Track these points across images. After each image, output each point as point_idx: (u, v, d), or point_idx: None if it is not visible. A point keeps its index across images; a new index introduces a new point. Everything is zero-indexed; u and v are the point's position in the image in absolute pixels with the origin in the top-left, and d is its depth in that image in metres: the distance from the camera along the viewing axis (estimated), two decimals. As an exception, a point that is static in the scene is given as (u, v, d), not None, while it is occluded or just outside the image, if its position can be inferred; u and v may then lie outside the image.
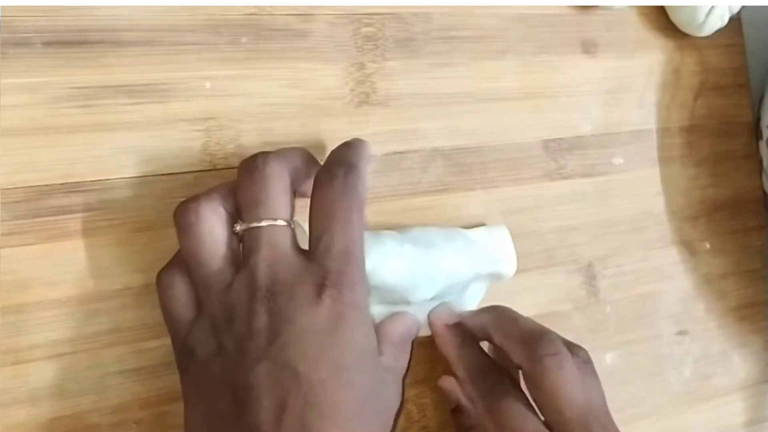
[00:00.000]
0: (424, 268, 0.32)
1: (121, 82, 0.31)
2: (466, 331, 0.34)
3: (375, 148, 0.36)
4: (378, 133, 0.36)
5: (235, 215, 0.28)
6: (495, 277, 0.36)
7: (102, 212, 0.30)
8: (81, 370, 0.30)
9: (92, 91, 0.30)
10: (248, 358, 0.26)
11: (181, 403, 0.29)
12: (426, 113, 0.37)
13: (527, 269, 0.40)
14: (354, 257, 0.27)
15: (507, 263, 0.36)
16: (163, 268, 0.29)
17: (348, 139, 0.30)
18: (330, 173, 0.28)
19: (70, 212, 0.30)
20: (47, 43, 0.30)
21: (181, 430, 0.31)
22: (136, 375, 0.31)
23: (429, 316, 0.34)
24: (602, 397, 0.32)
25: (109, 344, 0.30)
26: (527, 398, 0.32)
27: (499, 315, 0.33)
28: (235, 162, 0.33)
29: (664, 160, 0.44)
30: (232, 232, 0.28)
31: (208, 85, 0.32)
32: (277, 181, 0.28)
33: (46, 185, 0.30)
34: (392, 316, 0.31)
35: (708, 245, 0.46)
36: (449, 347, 0.33)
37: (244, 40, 0.33)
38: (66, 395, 0.30)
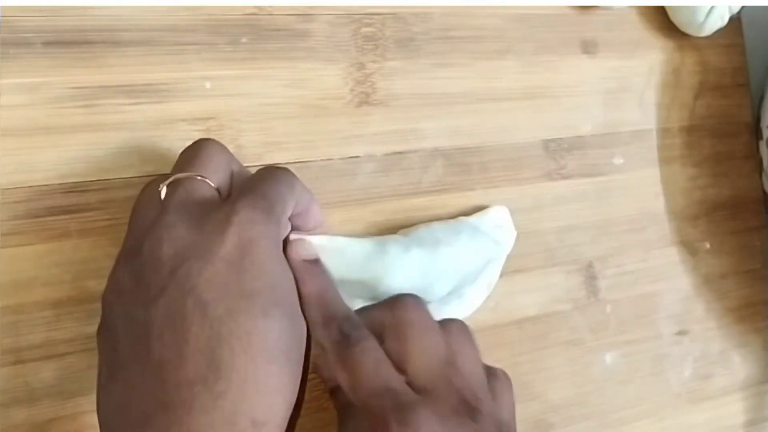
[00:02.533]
0: (435, 268, 0.32)
1: (121, 82, 0.31)
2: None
3: (374, 149, 0.36)
4: (378, 133, 0.36)
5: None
6: (502, 257, 0.37)
7: (102, 212, 0.30)
8: (81, 370, 0.30)
9: (92, 91, 0.30)
10: (149, 291, 0.23)
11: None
12: (426, 113, 0.37)
13: (527, 269, 0.40)
14: (272, 200, 0.26)
15: (509, 241, 0.37)
16: None
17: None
18: (266, 169, 0.28)
19: (70, 212, 0.30)
20: (47, 43, 0.30)
21: (181, 430, 0.31)
22: (136, 375, 0.31)
23: (286, 248, 0.28)
24: (475, 359, 0.29)
25: (109, 344, 0.30)
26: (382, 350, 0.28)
27: None
28: (235, 162, 0.33)
29: (664, 160, 0.44)
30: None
31: (208, 85, 0.32)
32: (212, 152, 0.27)
33: (46, 185, 0.30)
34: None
35: (708, 245, 0.46)
36: (308, 284, 0.28)
37: (244, 40, 0.33)
38: (66, 395, 0.30)
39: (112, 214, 0.31)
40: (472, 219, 0.36)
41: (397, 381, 0.26)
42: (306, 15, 0.34)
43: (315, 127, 0.35)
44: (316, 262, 0.29)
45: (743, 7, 0.44)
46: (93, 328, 0.30)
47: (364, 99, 0.36)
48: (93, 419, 0.30)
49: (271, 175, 0.27)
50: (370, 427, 0.26)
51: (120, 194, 0.31)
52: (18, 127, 0.29)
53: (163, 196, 0.26)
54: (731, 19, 0.43)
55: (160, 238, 0.24)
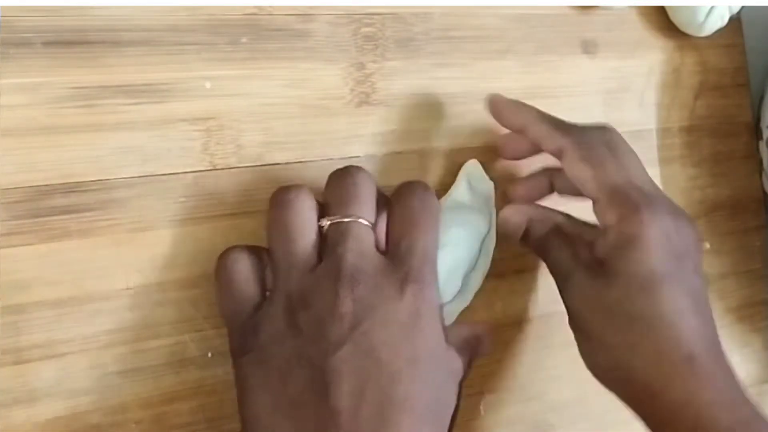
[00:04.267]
0: (442, 272, 0.32)
1: (121, 82, 0.31)
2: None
3: (374, 149, 0.36)
4: (378, 133, 0.36)
5: (320, 214, 0.29)
6: (492, 222, 0.36)
7: (102, 212, 0.30)
8: (81, 370, 0.30)
9: (92, 91, 0.30)
10: (330, 341, 0.26)
11: (180, 403, 0.29)
12: (426, 113, 0.37)
13: (527, 269, 0.40)
14: (432, 259, 0.29)
15: (490, 194, 0.37)
16: (228, 248, 0.30)
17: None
18: (411, 187, 0.30)
19: (70, 212, 0.30)
20: (47, 43, 0.30)
21: (181, 430, 0.31)
22: (136, 375, 0.31)
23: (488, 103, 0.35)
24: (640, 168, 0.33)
25: (109, 344, 0.30)
26: None
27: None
28: (235, 162, 0.33)
29: (664, 160, 0.44)
30: (319, 227, 0.29)
31: (208, 85, 0.32)
32: (365, 187, 0.29)
33: (46, 185, 0.30)
34: (460, 323, 0.33)
35: (708, 245, 0.46)
36: (523, 113, 0.34)
37: (244, 40, 0.33)
38: (66, 395, 0.30)
39: (112, 214, 0.31)
40: (452, 195, 0.36)
41: (633, 179, 0.31)
42: (306, 15, 0.34)
43: (315, 127, 0.35)
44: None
45: (743, 7, 0.44)
46: (93, 328, 0.30)
47: (364, 99, 0.36)
48: (93, 419, 0.30)
49: (423, 217, 0.30)
50: (618, 213, 0.30)
51: (120, 194, 0.31)
52: (18, 127, 0.29)
53: (324, 230, 0.29)
54: (731, 19, 0.43)
55: (343, 293, 0.27)
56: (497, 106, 0.35)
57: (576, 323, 0.32)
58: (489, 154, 0.39)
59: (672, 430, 0.29)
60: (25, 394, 0.29)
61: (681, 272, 0.30)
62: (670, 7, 0.43)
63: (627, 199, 0.30)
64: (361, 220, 0.29)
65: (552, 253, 0.33)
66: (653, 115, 0.44)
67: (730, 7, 0.42)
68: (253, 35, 0.33)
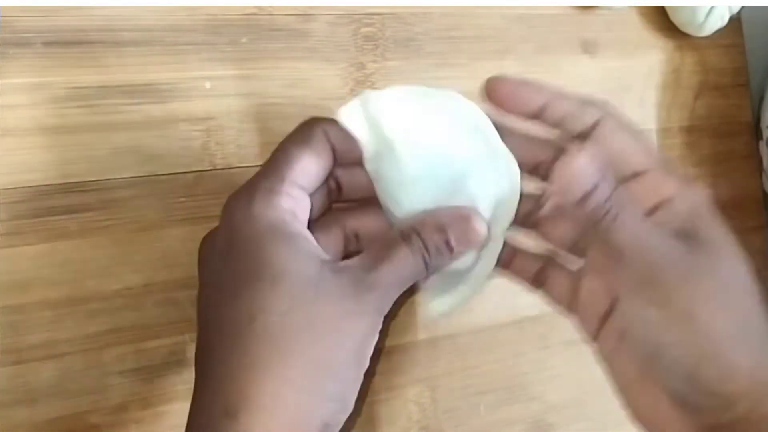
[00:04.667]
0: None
1: (121, 82, 0.31)
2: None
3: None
4: (378, 133, 0.36)
5: None
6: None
7: (102, 212, 0.30)
8: (81, 370, 0.30)
9: (92, 91, 0.30)
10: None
11: (180, 403, 0.29)
12: (426, 113, 0.37)
13: (527, 269, 0.40)
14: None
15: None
16: None
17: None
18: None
19: (70, 212, 0.30)
20: (47, 43, 0.30)
21: (181, 430, 0.31)
22: (136, 375, 0.31)
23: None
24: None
25: (109, 344, 0.30)
26: None
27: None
28: (236, 162, 0.33)
29: (664, 160, 0.44)
30: None
31: (208, 85, 0.32)
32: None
33: (46, 185, 0.30)
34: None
35: (708, 245, 0.46)
36: (543, 90, 0.29)
37: (244, 40, 0.33)
38: (66, 395, 0.30)
39: (112, 214, 0.31)
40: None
41: None
42: (306, 15, 0.34)
43: (315, 127, 0.34)
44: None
45: (743, 7, 0.44)
46: (93, 328, 0.30)
47: (364, 99, 0.36)
48: (93, 419, 0.30)
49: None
50: (677, 182, 0.28)
51: (120, 194, 0.31)
52: (18, 127, 0.29)
53: None
54: (731, 19, 0.43)
55: None
56: (505, 87, 0.29)
57: (681, 312, 0.25)
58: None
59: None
60: (25, 394, 0.29)
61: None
62: (670, 7, 0.43)
63: (677, 171, 0.28)
64: None
65: (627, 225, 0.26)
66: (653, 115, 0.44)
67: (730, 7, 0.42)
68: (253, 35, 0.33)
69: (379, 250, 0.26)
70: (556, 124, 0.28)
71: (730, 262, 0.27)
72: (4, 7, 0.29)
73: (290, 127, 0.34)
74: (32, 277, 0.29)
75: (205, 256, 0.27)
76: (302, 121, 0.28)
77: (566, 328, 0.37)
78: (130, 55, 0.31)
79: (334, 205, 0.29)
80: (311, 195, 0.27)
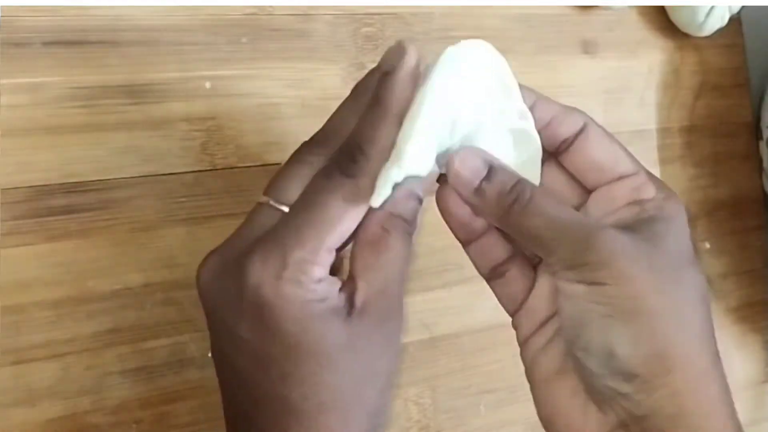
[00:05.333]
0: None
1: (121, 82, 0.31)
2: None
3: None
4: (378, 133, 0.36)
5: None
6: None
7: (102, 212, 0.30)
8: (81, 370, 0.30)
9: (92, 91, 0.30)
10: None
11: (180, 403, 0.29)
12: (426, 113, 0.37)
13: (527, 269, 0.40)
14: None
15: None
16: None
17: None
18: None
19: (70, 212, 0.30)
20: (47, 43, 0.30)
21: (181, 430, 0.31)
22: (136, 375, 0.31)
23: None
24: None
25: (109, 344, 0.30)
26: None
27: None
28: (236, 162, 0.33)
29: (664, 161, 0.44)
30: None
31: (208, 85, 0.32)
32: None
33: (46, 185, 0.30)
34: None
35: (708, 245, 0.46)
36: (529, 92, 0.28)
37: (244, 40, 0.33)
38: (66, 395, 0.30)
39: (112, 214, 0.31)
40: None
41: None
42: (306, 15, 0.34)
43: (315, 127, 0.34)
44: None
45: (743, 7, 0.44)
46: (93, 328, 0.30)
47: (364, 99, 0.36)
48: (93, 419, 0.30)
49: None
50: (657, 189, 0.27)
51: (120, 194, 0.31)
52: (18, 127, 0.29)
53: None
54: (731, 19, 0.43)
55: None
56: None
57: (610, 290, 0.25)
58: (489, 154, 0.39)
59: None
60: (25, 394, 0.29)
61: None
62: (670, 7, 0.43)
63: (658, 179, 0.28)
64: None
65: (544, 209, 0.25)
66: (653, 115, 0.44)
67: (730, 7, 0.42)
68: (253, 35, 0.33)
69: (370, 266, 0.25)
70: (542, 127, 0.28)
71: (689, 268, 0.26)
72: (4, 7, 0.29)
73: (290, 126, 0.34)
74: (32, 277, 0.29)
75: (215, 300, 0.25)
76: (341, 152, 0.25)
77: (566, 328, 0.37)
78: (130, 55, 0.31)
79: None
80: None
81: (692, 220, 0.45)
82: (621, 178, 0.28)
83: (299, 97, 0.34)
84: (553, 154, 0.28)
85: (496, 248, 0.28)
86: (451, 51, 0.25)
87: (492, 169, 0.26)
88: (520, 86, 0.28)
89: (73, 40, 0.30)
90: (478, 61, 0.26)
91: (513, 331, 0.40)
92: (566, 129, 0.28)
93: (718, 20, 0.43)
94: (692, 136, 0.45)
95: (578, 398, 0.25)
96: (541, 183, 0.28)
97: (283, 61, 0.34)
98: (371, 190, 0.24)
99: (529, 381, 0.28)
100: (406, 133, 0.24)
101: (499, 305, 0.37)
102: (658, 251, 0.25)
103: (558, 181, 0.29)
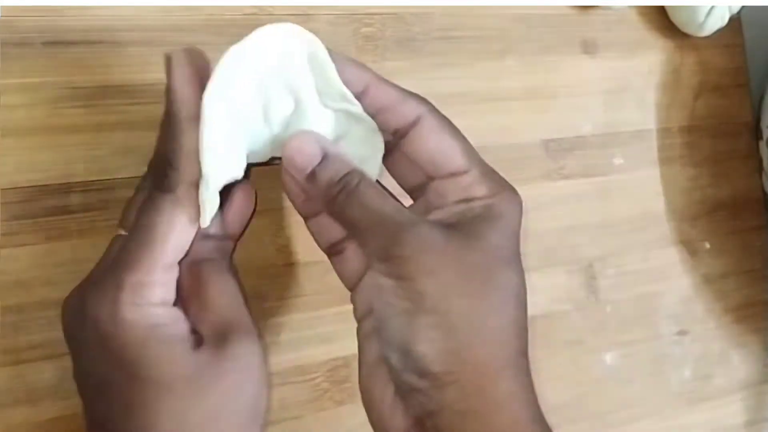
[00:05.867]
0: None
1: (121, 82, 0.31)
2: None
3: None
4: (378, 133, 0.36)
5: None
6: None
7: (102, 212, 0.30)
8: (81, 370, 0.30)
9: (92, 91, 0.30)
10: None
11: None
12: (426, 113, 0.37)
13: (527, 269, 0.39)
14: None
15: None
16: None
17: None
18: None
19: (70, 212, 0.30)
20: (47, 43, 0.30)
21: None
22: (136, 375, 0.31)
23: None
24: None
25: (109, 344, 0.30)
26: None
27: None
28: (235, 162, 0.33)
29: (664, 161, 0.44)
30: None
31: (208, 85, 0.32)
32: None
33: (46, 185, 0.30)
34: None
35: (708, 245, 0.46)
36: (367, 71, 0.27)
37: (244, 40, 0.33)
38: (66, 395, 0.30)
39: (112, 214, 0.31)
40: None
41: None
42: (306, 15, 0.34)
43: (315, 127, 0.34)
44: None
45: (743, 7, 0.44)
46: (93, 328, 0.30)
47: (364, 99, 0.36)
48: (93, 419, 0.30)
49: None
50: (489, 188, 0.27)
51: (120, 194, 0.31)
52: (18, 127, 0.29)
53: None
54: (731, 19, 0.43)
55: None
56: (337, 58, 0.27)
57: (412, 285, 0.24)
58: (490, 153, 0.39)
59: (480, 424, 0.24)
60: (25, 394, 0.29)
61: (520, 261, 0.28)
62: (670, 7, 0.43)
63: (495, 176, 0.28)
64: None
65: (364, 200, 0.25)
66: (653, 115, 0.44)
67: (730, 7, 0.42)
68: (253, 35, 0.33)
69: (203, 302, 0.25)
70: (374, 113, 0.27)
71: (503, 267, 0.26)
72: (4, 7, 0.29)
73: (290, 127, 0.34)
74: (32, 277, 0.29)
75: (69, 336, 0.25)
76: (149, 161, 0.26)
77: (566, 328, 0.38)
78: (130, 55, 0.31)
79: None
80: None
81: (692, 220, 0.45)
82: (454, 174, 0.27)
83: (299, 97, 0.34)
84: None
85: (333, 227, 0.28)
86: (234, 49, 0.24)
87: (325, 157, 0.25)
88: (352, 66, 0.27)
89: (73, 40, 0.30)
90: (276, 48, 0.25)
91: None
92: (399, 119, 0.27)
93: (718, 20, 0.43)
94: (692, 136, 0.45)
95: (389, 389, 0.25)
96: (380, 172, 0.28)
97: (283, 61, 0.34)
98: (192, 196, 0.24)
99: (358, 364, 0.27)
100: (200, 145, 0.24)
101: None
102: (472, 250, 0.25)
103: (404, 164, 0.28)
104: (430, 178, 0.27)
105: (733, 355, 0.46)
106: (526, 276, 0.39)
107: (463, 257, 0.25)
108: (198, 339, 0.24)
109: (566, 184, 0.41)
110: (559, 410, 0.40)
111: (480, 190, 0.27)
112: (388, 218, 0.25)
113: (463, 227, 0.26)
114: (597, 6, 0.41)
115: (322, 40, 0.35)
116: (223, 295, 0.25)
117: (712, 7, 0.42)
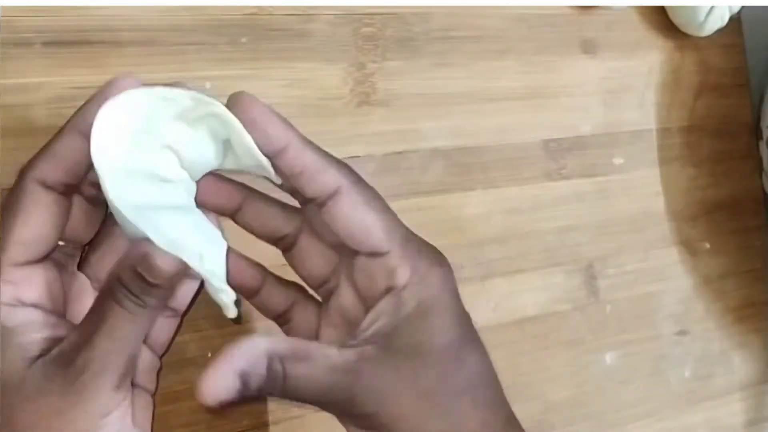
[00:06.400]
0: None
1: (121, 82, 0.31)
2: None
3: (374, 149, 0.36)
4: (378, 133, 0.36)
5: None
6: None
7: (102, 212, 0.30)
8: (81, 370, 0.30)
9: (92, 91, 0.30)
10: None
11: (180, 403, 0.29)
12: (426, 113, 0.37)
13: (527, 269, 0.40)
14: None
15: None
16: None
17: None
18: None
19: (70, 212, 0.30)
20: (47, 43, 0.30)
21: (181, 430, 0.31)
22: (136, 375, 0.31)
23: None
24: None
25: (109, 344, 0.30)
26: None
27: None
28: (235, 162, 0.33)
29: (664, 160, 0.44)
30: None
31: (208, 85, 0.32)
32: None
33: (46, 185, 0.29)
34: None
35: (708, 245, 0.46)
36: (289, 132, 0.26)
37: (244, 40, 0.33)
38: None
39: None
40: None
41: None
42: (306, 15, 0.34)
43: (315, 127, 0.34)
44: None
45: (743, 7, 0.44)
46: (93, 328, 0.30)
47: (364, 99, 0.36)
48: (93, 419, 0.30)
49: None
50: (411, 268, 0.26)
51: (120, 194, 0.31)
52: (18, 127, 0.29)
53: None
54: (731, 19, 0.43)
55: None
56: (254, 110, 0.25)
57: (382, 422, 0.25)
58: (491, 152, 0.39)
59: None
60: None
61: (471, 327, 0.27)
62: (670, 7, 0.43)
63: (419, 252, 0.26)
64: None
65: (298, 389, 0.24)
66: (653, 115, 0.44)
67: (730, 7, 0.42)
68: (253, 35, 0.33)
69: (90, 316, 0.24)
70: (291, 176, 0.26)
71: (457, 368, 0.25)
72: (4, 7, 0.29)
73: (290, 127, 0.34)
74: (32, 277, 0.29)
75: None
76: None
77: (566, 328, 0.38)
78: (130, 55, 0.31)
79: None
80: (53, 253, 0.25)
81: (692, 220, 0.45)
82: (374, 254, 0.26)
83: (299, 97, 0.34)
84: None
85: (274, 299, 0.28)
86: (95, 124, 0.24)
87: (244, 376, 0.23)
88: (275, 124, 0.25)
89: (73, 40, 0.30)
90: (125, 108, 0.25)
91: (513, 331, 0.41)
92: (316, 187, 0.26)
93: (718, 20, 0.43)
94: (692, 136, 0.45)
95: None
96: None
97: (283, 61, 0.34)
98: (34, 194, 0.24)
99: None
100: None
101: (500, 305, 0.37)
102: (423, 369, 0.25)
103: (311, 254, 0.28)
104: (355, 253, 0.26)
105: (733, 355, 0.46)
106: (526, 276, 0.39)
107: (418, 383, 0.25)
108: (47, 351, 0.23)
109: (566, 184, 0.41)
110: (559, 410, 0.40)
111: (403, 275, 0.26)
112: (332, 388, 0.24)
113: (402, 336, 0.25)
114: (597, 6, 0.41)
115: (322, 40, 0.35)
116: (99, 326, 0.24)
117: (712, 7, 0.42)
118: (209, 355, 0.32)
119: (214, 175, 0.27)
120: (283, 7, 0.34)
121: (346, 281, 0.28)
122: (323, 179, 0.25)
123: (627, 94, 0.43)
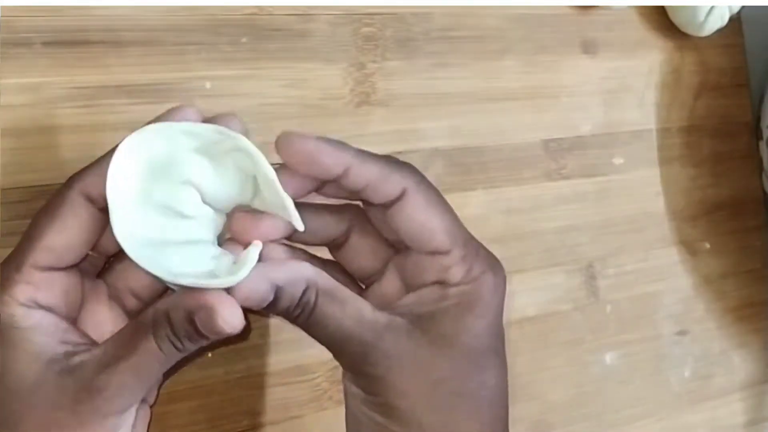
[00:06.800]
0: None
1: (121, 82, 0.31)
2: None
3: (374, 149, 0.36)
4: (378, 133, 0.36)
5: None
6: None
7: (102, 212, 0.30)
8: (81, 370, 0.30)
9: (92, 91, 0.30)
10: None
11: (180, 403, 0.29)
12: (426, 113, 0.37)
13: (527, 269, 0.40)
14: None
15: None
16: None
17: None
18: None
19: (70, 212, 0.30)
20: (47, 43, 0.30)
21: (181, 430, 0.31)
22: (136, 375, 0.31)
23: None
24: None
25: (109, 344, 0.30)
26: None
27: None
28: (235, 162, 0.33)
29: (664, 160, 0.44)
30: None
31: (208, 85, 0.32)
32: None
33: (46, 185, 0.30)
34: None
35: (708, 245, 0.46)
36: (344, 153, 0.26)
37: (244, 40, 0.33)
38: None
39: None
40: None
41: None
42: (306, 15, 0.34)
43: (315, 127, 0.35)
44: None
45: (743, 7, 0.44)
46: (93, 328, 0.30)
47: (364, 99, 0.36)
48: (93, 419, 0.30)
49: None
50: (466, 270, 0.26)
51: (120, 194, 0.31)
52: (18, 127, 0.29)
53: None
54: (731, 19, 0.43)
55: None
56: (303, 146, 0.25)
57: (384, 401, 0.25)
58: (491, 152, 0.39)
59: None
60: None
61: (503, 343, 0.27)
62: (670, 7, 0.43)
63: (476, 256, 0.26)
64: None
65: (324, 322, 0.25)
66: (653, 115, 0.44)
67: (730, 7, 0.42)
68: (253, 35, 0.33)
69: (121, 340, 0.24)
70: (356, 192, 0.26)
71: (473, 372, 0.26)
72: (4, 7, 0.29)
73: (290, 126, 0.34)
74: (32, 277, 0.29)
75: None
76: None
77: (566, 328, 0.38)
78: (130, 55, 0.31)
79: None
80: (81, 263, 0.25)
81: (692, 220, 0.45)
82: (433, 253, 0.26)
83: (299, 97, 0.34)
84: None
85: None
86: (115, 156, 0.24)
87: (278, 289, 0.24)
88: (330, 149, 0.25)
89: (73, 40, 0.30)
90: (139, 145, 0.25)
91: (513, 331, 0.41)
92: (383, 195, 0.26)
93: (718, 20, 0.43)
94: (692, 136, 0.45)
95: None
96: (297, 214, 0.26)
97: (283, 61, 0.34)
98: (74, 203, 0.24)
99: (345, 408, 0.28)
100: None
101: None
102: (442, 358, 0.25)
103: (363, 250, 0.28)
104: (411, 251, 0.27)
105: (733, 355, 0.46)
106: (526, 276, 0.39)
107: (432, 370, 0.25)
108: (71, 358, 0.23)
109: (566, 184, 0.41)
110: (559, 410, 0.41)
111: (457, 273, 0.26)
112: (354, 336, 0.25)
113: (435, 323, 0.25)
114: (597, 6, 0.41)
115: (322, 40, 0.35)
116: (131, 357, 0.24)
117: (712, 7, 0.42)
118: (209, 355, 0.32)
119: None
120: (283, 7, 0.34)
121: (393, 270, 0.28)
122: (387, 187, 0.26)
123: (627, 94, 0.43)
